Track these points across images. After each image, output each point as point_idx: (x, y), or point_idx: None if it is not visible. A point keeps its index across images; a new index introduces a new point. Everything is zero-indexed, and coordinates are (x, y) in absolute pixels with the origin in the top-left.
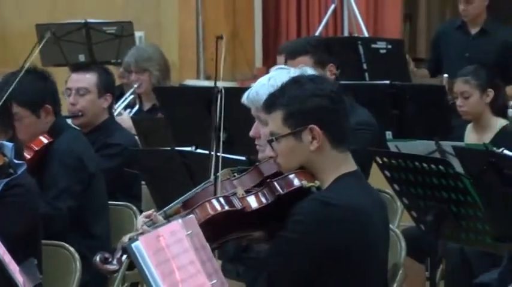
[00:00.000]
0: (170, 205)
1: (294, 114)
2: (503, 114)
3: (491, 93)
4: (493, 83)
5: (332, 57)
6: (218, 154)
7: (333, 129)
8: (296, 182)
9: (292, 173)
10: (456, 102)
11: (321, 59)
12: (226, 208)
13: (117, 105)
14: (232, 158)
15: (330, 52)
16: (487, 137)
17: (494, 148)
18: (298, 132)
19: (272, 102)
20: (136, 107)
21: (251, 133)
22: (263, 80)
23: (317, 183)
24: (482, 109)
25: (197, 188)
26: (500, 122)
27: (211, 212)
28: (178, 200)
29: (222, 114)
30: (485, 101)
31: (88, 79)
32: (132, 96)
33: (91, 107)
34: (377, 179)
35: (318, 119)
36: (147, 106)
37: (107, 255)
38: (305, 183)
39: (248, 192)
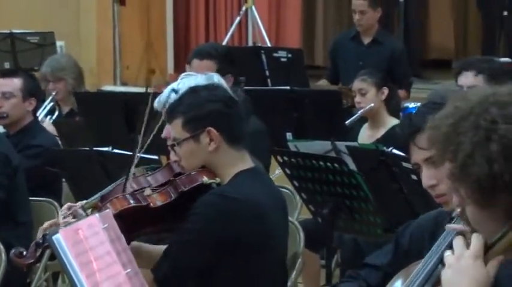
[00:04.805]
0: (89, 199)
1: (191, 120)
2: (397, 116)
3: (386, 91)
4: (387, 83)
5: (233, 69)
6: (138, 154)
7: (228, 131)
8: (198, 179)
9: (194, 171)
10: (355, 100)
11: (223, 67)
12: (133, 203)
13: (38, 113)
14: (147, 157)
15: (232, 64)
16: (379, 134)
17: (384, 147)
18: (196, 135)
19: (171, 111)
20: (57, 113)
21: (163, 134)
22: (173, 85)
23: (217, 180)
24: (379, 106)
25: (113, 184)
26: (393, 121)
27: (120, 207)
28: (96, 196)
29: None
30: (380, 98)
31: (13, 84)
32: (51, 103)
33: (15, 110)
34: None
35: (213, 122)
36: (65, 110)
37: (21, 249)
38: (206, 180)
39: (155, 190)
